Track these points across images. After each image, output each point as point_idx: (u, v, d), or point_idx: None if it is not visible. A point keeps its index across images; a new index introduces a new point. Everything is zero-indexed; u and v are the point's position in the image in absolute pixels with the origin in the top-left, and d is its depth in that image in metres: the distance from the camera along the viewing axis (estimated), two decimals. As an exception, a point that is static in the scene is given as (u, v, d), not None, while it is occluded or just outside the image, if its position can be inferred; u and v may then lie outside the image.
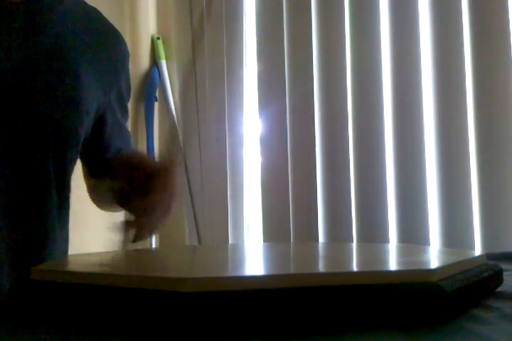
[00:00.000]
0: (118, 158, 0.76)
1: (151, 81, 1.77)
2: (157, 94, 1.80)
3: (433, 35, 1.43)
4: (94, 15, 0.79)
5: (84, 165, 0.84)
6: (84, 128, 0.74)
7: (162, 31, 1.84)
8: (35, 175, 0.68)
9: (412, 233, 1.42)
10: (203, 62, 1.75)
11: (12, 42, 0.66)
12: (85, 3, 0.79)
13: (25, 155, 0.67)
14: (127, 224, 0.67)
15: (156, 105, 1.81)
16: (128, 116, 0.87)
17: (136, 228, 0.67)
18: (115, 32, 0.81)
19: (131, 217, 0.69)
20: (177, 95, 1.81)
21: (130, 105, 1.81)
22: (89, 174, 0.85)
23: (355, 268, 0.44)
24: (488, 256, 0.52)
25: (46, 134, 0.68)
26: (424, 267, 0.40)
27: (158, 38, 1.81)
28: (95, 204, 0.89)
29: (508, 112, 1.34)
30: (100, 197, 0.87)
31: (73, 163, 0.74)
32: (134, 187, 0.69)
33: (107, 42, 0.78)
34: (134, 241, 0.67)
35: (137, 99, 1.77)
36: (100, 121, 0.79)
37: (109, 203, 0.84)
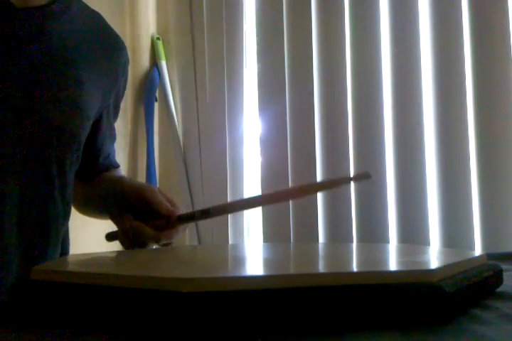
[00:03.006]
0: (137, 191, 0.72)
1: (151, 81, 1.77)
2: (157, 95, 1.80)
3: (433, 36, 1.43)
4: (98, 21, 0.80)
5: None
6: (85, 134, 0.75)
7: (162, 31, 1.84)
8: (40, 179, 0.69)
9: (412, 233, 1.42)
10: (203, 62, 1.75)
11: (20, 49, 0.66)
12: (89, 8, 0.80)
13: (29, 160, 0.67)
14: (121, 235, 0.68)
15: (156, 105, 1.81)
16: (118, 115, 0.88)
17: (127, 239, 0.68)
18: (117, 38, 0.82)
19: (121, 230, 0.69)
20: (177, 95, 1.81)
21: (130, 105, 1.81)
22: (77, 178, 0.84)
23: (355, 269, 0.44)
24: (488, 256, 0.52)
25: (50, 139, 0.69)
26: (424, 267, 0.40)
27: (158, 38, 1.81)
28: (78, 211, 0.87)
29: (508, 112, 1.34)
30: (86, 204, 0.86)
31: (74, 167, 0.74)
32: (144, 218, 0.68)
33: (109, 49, 0.79)
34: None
35: (137, 99, 1.77)
36: (95, 125, 0.79)
37: (96, 211, 0.84)
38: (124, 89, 0.86)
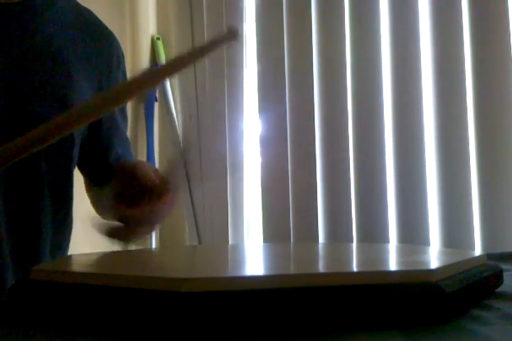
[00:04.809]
0: (119, 164, 0.75)
1: (151, 81, 1.77)
2: (157, 94, 1.80)
3: (433, 36, 1.43)
4: (87, 15, 0.79)
5: (85, 173, 0.82)
6: (79, 130, 0.74)
7: (162, 31, 1.84)
8: (27, 175, 0.69)
9: (412, 233, 1.42)
10: (203, 62, 1.75)
11: (6, 43, 0.66)
12: (78, 4, 0.79)
13: None
14: (115, 232, 0.67)
15: (156, 105, 1.81)
16: (127, 121, 0.87)
17: (123, 235, 0.67)
18: (108, 32, 0.81)
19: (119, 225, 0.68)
20: (177, 95, 1.81)
21: (130, 105, 1.80)
22: (91, 182, 0.84)
23: (355, 269, 0.44)
24: (488, 256, 0.52)
25: None
26: (424, 267, 0.40)
27: (158, 38, 1.81)
28: (100, 216, 0.87)
29: (508, 112, 1.34)
30: (102, 207, 0.86)
31: (69, 164, 0.74)
32: (131, 196, 0.67)
33: (100, 43, 0.78)
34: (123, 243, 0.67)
35: (137, 99, 1.77)
36: (96, 123, 0.79)
37: (110, 213, 0.83)
38: None
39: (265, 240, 1.60)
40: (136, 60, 1.75)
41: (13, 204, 0.68)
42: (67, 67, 0.71)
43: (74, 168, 0.76)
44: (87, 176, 0.83)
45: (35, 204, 0.70)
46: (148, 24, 1.82)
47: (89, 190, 0.86)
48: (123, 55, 0.84)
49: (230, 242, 1.68)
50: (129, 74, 0.86)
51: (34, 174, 0.69)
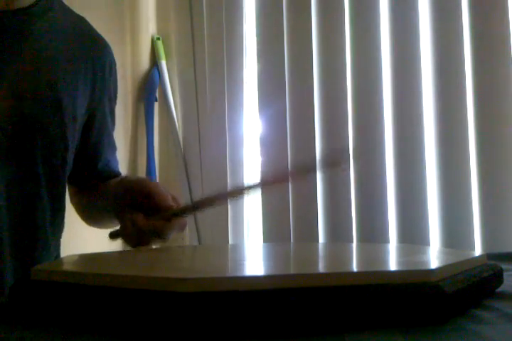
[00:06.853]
0: (142, 182, 0.73)
1: (151, 81, 1.77)
2: (157, 94, 1.80)
3: (433, 35, 1.43)
4: (81, 23, 0.81)
5: (72, 177, 0.82)
6: (72, 133, 0.75)
7: (162, 31, 1.84)
8: (25, 178, 0.69)
9: (412, 233, 1.42)
10: (203, 62, 1.75)
11: (2, 49, 0.67)
12: (72, 12, 0.81)
13: (14, 158, 0.68)
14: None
15: (156, 105, 1.81)
16: (115, 123, 0.88)
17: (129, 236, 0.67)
18: (101, 40, 0.83)
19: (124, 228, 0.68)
20: (177, 95, 1.81)
21: (130, 105, 1.81)
22: (76, 187, 0.84)
23: (355, 269, 0.44)
24: (488, 256, 0.52)
25: (34, 138, 0.70)
26: (424, 267, 0.40)
27: (158, 39, 1.81)
28: (86, 222, 0.87)
29: (508, 112, 1.34)
30: (91, 213, 0.85)
31: (64, 167, 0.75)
32: (146, 210, 0.66)
33: (94, 50, 0.80)
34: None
35: (137, 99, 1.77)
36: (88, 124, 0.80)
37: (101, 218, 0.83)
38: (116, 92, 0.86)
39: (265, 240, 1.60)
40: (136, 60, 1.75)
41: (15, 205, 0.69)
42: (62, 73, 0.73)
43: (69, 171, 0.77)
44: (73, 181, 0.83)
45: (34, 206, 0.71)
46: (148, 24, 1.82)
47: (73, 198, 0.86)
48: (115, 62, 0.85)
49: (230, 242, 1.68)
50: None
51: (32, 176, 0.70)
